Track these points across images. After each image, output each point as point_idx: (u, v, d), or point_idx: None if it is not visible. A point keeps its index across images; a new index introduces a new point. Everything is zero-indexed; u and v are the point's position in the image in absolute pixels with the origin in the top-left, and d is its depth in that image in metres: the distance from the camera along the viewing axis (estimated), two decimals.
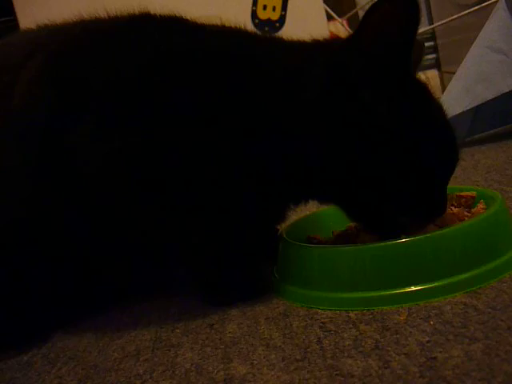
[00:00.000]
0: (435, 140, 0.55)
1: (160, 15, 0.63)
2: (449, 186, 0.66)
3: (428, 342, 0.42)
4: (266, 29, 1.56)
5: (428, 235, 0.51)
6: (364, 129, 0.53)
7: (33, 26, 0.71)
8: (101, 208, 0.59)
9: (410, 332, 0.44)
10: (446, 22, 1.87)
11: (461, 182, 0.95)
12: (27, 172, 0.59)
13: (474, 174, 1.02)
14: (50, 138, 0.57)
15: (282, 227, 0.70)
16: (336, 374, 0.40)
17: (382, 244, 0.53)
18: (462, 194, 0.64)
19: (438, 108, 0.57)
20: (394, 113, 0.53)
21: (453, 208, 0.63)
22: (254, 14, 1.56)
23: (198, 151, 0.57)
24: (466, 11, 1.72)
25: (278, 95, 0.57)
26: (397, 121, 0.54)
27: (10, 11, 1.55)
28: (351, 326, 0.48)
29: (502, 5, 1.31)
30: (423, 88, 0.57)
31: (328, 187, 0.58)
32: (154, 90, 0.57)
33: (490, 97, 1.30)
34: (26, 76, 0.60)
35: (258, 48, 0.62)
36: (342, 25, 2.13)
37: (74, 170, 0.57)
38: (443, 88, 1.85)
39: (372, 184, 0.54)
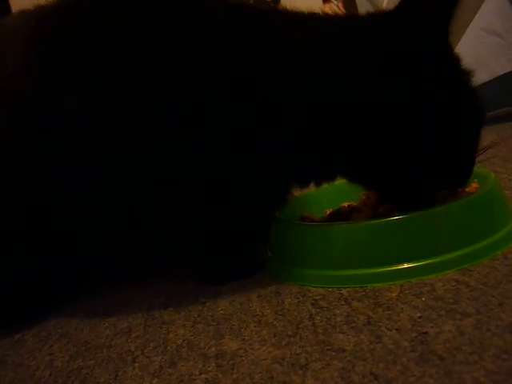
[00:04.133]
0: (471, 107, 0.56)
1: None
2: None
3: (420, 317, 0.42)
4: None
5: (421, 213, 0.51)
6: (411, 93, 0.53)
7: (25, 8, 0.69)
8: (89, 184, 0.58)
9: (402, 308, 0.44)
10: None
11: None
12: (17, 145, 0.59)
13: None
14: (38, 111, 0.57)
15: None
16: (327, 349, 0.40)
17: (375, 222, 0.53)
18: None
19: (469, 76, 0.58)
20: (439, 78, 0.54)
21: None
22: None
23: (192, 126, 0.55)
24: None
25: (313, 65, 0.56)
26: (442, 86, 0.54)
27: None
28: (343, 302, 0.48)
29: None
30: (458, 56, 0.57)
31: (356, 157, 0.57)
32: (143, 62, 0.55)
33: (486, 79, 1.30)
34: (16, 49, 0.59)
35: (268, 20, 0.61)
36: (338, 7, 2.12)
37: (61, 145, 0.56)
38: None
39: (404, 150, 0.54)
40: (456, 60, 0.57)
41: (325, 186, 0.76)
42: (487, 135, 1.18)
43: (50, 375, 0.48)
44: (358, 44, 0.56)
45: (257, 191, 0.60)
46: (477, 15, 1.38)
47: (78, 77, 0.57)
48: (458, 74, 0.57)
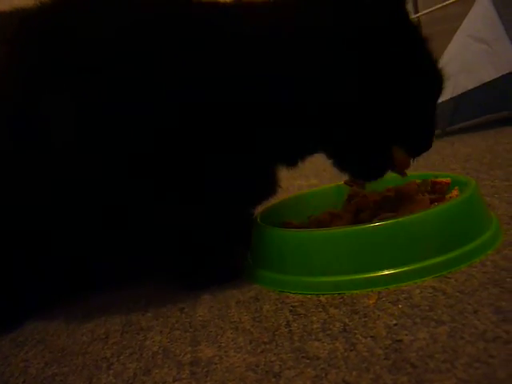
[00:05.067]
0: (428, 75, 0.57)
1: None
2: (424, 173, 0.67)
3: (395, 325, 0.42)
4: None
5: (400, 220, 0.51)
6: (369, 65, 0.54)
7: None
8: (74, 186, 0.57)
9: (378, 315, 0.44)
10: (431, 11, 1.87)
11: (439, 170, 0.96)
12: (2, 146, 0.59)
13: (452, 162, 1.03)
14: (24, 112, 0.56)
15: (257, 212, 0.69)
16: (302, 357, 0.40)
17: (354, 228, 0.52)
18: (436, 180, 0.64)
19: (427, 45, 0.58)
20: (397, 49, 0.55)
21: (426, 194, 0.63)
22: None
23: (180, 129, 0.56)
24: (451, 0, 1.72)
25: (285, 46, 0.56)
26: (399, 57, 0.55)
27: None
28: (321, 309, 0.48)
29: None
30: (415, 27, 0.58)
31: (322, 127, 0.57)
32: (128, 63, 0.55)
33: (472, 86, 1.30)
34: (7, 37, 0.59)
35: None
36: None
37: (49, 146, 0.56)
38: None
39: (367, 119, 0.55)
40: (413, 27, 0.58)
41: (307, 192, 0.77)
42: (472, 142, 1.19)
43: (24, 382, 0.47)
44: (315, 25, 0.56)
45: (231, 186, 0.60)
46: (463, 22, 1.39)
47: (67, 77, 0.56)
48: (416, 41, 0.57)
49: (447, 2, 1.76)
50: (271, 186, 0.66)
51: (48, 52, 0.57)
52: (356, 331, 0.42)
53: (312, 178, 1.17)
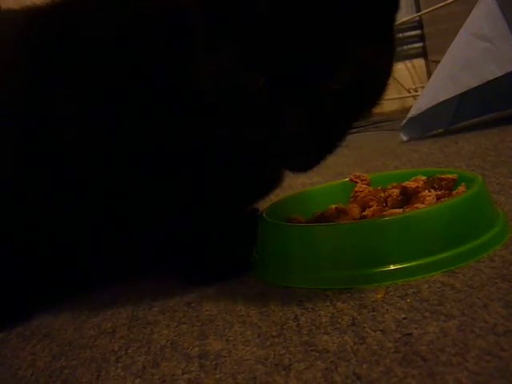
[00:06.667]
0: None
1: None
2: (430, 169, 0.67)
3: (404, 318, 0.42)
4: None
5: (407, 214, 0.51)
6: None
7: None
8: (81, 177, 0.58)
9: (387, 309, 0.44)
10: (433, 10, 1.87)
11: (444, 168, 0.95)
12: (5, 141, 0.59)
13: (457, 159, 1.03)
14: (30, 108, 0.57)
15: (263, 208, 0.69)
16: (311, 350, 0.40)
17: (362, 222, 0.53)
18: (443, 176, 0.64)
19: None
20: None
21: (433, 190, 0.63)
22: None
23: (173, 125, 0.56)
24: None
25: None
26: None
27: None
28: (328, 303, 0.48)
29: None
30: None
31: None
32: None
33: (475, 84, 1.30)
34: (6, 45, 0.59)
35: None
36: None
37: (52, 140, 0.56)
38: (429, 77, 1.85)
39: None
40: None
41: (313, 188, 0.77)
42: (476, 140, 1.19)
43: (32, 375, 0.47)
44: None
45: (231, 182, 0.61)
46: (467, 20, 1.39)
47: (71, 73, 0.56)
48: None
49: (450, 1, 1.76)
50: (273, 180, 0.66)
51: (55, 52, 0.57)
52: (365, 325, 0.42)
53: (315, 175, 1.17)
